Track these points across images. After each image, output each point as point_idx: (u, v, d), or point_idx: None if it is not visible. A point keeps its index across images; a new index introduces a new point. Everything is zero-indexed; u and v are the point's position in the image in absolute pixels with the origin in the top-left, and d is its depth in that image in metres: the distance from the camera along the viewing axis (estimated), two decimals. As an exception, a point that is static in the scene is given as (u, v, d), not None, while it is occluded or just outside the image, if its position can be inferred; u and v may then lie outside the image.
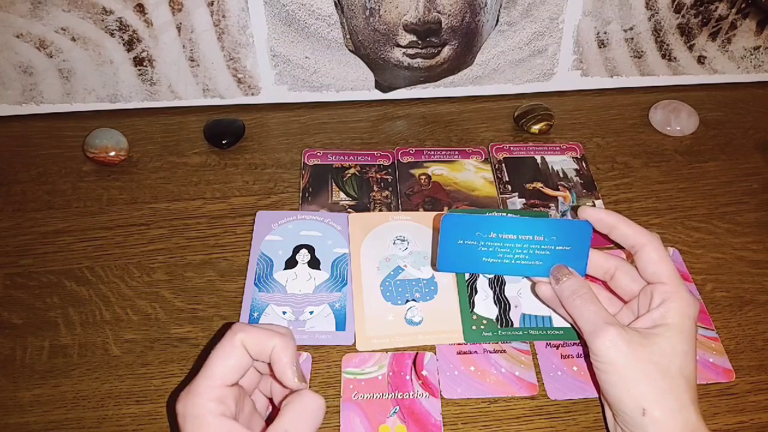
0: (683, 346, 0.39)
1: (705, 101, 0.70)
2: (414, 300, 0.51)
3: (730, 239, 0.56)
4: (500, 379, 0.46)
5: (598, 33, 0.67)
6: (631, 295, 0.44)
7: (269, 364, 0.37)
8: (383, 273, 0.52)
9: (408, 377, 0.46)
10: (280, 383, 0.37)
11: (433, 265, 0.52)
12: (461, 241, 0.45)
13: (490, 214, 0.56)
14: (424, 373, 0.47)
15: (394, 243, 0.54)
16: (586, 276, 0.45)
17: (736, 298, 0.52)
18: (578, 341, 0.49)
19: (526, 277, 0.50)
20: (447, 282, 0.52)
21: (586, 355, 0.47)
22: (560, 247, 0.44)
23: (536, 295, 0.48)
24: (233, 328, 0.36)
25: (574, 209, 0.58)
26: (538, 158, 0.63)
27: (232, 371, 0.35)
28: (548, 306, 0.48)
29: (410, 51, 0.63)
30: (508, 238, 0.44)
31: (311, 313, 0.50)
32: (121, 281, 0.52)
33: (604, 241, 0.47)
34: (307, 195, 0.59)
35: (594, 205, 0.58)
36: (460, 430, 0.44)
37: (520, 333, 0.49)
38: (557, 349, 0.48)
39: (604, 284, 0.47)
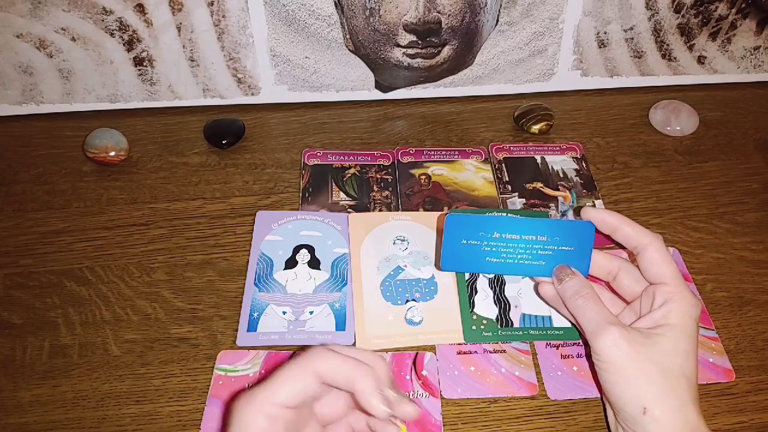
0: (684, 345, 0.39)
1: (705, 101, 0.70)
2: (414, 300, 0.51)
3: (730, 239, 0.56)
4: (500, 379, 0.46)
5: (598, 33, 0.67)
6: (634, 295, 0.44)
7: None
8: (383, 273, 0.52)
9: (408, 377, 0.46)
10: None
11: (437, 265, 0.52)
12: (465, 241, 0.45)
13: (492, 214, 0.56)
14: (424, 373, 0.47)
15: (394, 243, 0.54)
16: (589, 276, 0.45)
17: (736, 298, 0.52)
18: (578, 341, 0.49)
19: (529, 277, 0.50)
20: (447, 282, 0.52)
21: (588, 355, 0.47)
22: (563, 248, 0.45)
23: (539, 295, 0.48)
24: (311, 353, 0.34)
25: (575, 210, 0.58)
26: (538, 158, 0.63)
27: (295, 396, 0.34)
28: (551, 306, 0.48)
29: (410, 51, 0.63)
30: (511, 238, 0.44)
31: (311, 313, 0.50)
32: (121, 281, 0.52)
33: (606, 241, 0.47)
34: (307, 195, 0.59)
35: (594, 205, 0.58)
36: (460, 430, 0.44)
37: (520, 333, 0.49)
38: (557, 349, 0.48)
39: (607, 285, 0.47)
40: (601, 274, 0.46)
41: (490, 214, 0.56)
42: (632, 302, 0.45)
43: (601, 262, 0.45)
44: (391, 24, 0.61)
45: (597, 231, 0.45)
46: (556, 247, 0.45)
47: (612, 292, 0.47)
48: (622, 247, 0.45)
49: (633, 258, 0.45)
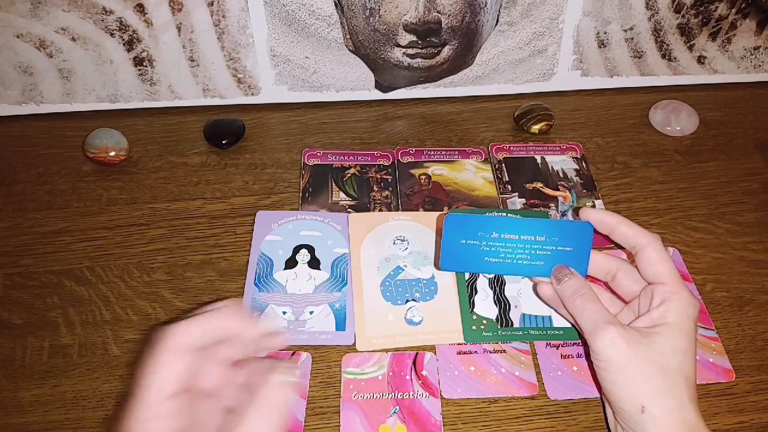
0: (682, 345, 0.39)
1: (705, 101, 0.70)
2: (414, 300, 0.51)
3: (730, 239, 0.56)
4: (500, 379, 0.46)
5: (598, 33, 0.67)
6: (632, 295, 0.44)
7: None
8: (383, 273, 0.52)
9: (408, 377, 0.46)
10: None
11: (436, 265, 0.52)
12: (464, 241, 0.45)
13: (491, 214, 0.56)
14: (424, 373, 0.47)
15: (394, 243, 0.54)
16: (588, 277, 0.45)
17: (736, 298, 0.52)
18: (578, 341, 0.49)
19: (527, 277, 0.50)
20: (447, 282, 0.52)
21: (587, 354, 0.47)
22: (562, 248, 0.45)
23: (538, 295, 0.48)
24: (166, 337, 0.33)
25: (575, 210, 0.58)
26: (538, 158, 0.63)
27: (168, 382, 0.32)
28: (550, 306, 0.48)
29: (410, 51, 0.63)
30: (510, 238, 0.44)
31: (311, 313, 0.50)
32: (121, 281, 0.52)
33: (605, 241, 0.47)
34: (307, 195, 0.59)
35: (594, 205, 0.58)
36: (460, 430, 0.44)
37: (520, 333, 0.49)
38: (557, 349, 0.48)
39: (606, 285, 0.47)
40: (599, 274, 0.46)
41: (489, 214, 0.56)
42: (631, 302, 0.45)
43: (600, 262, 0.46)
44: (391, 24, 0.61)
45: (595, 231, 0.45)
46: (554, 248, 0.45)
47: (611, 292, 0.47)
48: (621, 248, 0.45)
49: (632, 258, 0.45)
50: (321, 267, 0.53)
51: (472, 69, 0.67)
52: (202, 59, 0.64)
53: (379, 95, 0.68)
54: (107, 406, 0.45)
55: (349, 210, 0.58)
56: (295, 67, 0.65)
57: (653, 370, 0.38)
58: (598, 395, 0.46)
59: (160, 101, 0.67)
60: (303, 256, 0.53)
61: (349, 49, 0.64)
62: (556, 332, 0.49)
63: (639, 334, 0.39)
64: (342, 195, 0.59)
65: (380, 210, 0.58)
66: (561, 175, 0.61)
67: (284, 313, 0.50)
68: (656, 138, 0.66)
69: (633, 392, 0.38)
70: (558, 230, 0.44)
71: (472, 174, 0.61)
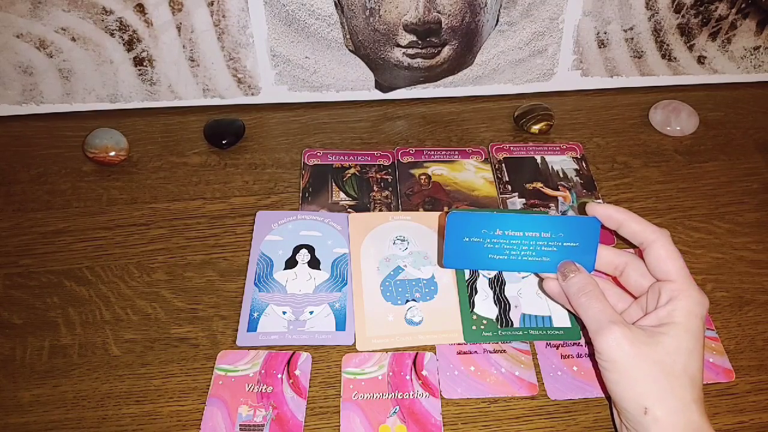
0: (689, 344, 0.39)
1: (705, 101, 0.70)
2: (414, 300, 0.51)
3: (730, 239, 0.56)
4: (500, 379, 0.46)
5: (598, 33, 0.67)
6: (641, 291, 0.44)
7: None
8: (383, 273, 0.52)
9: (408, 377, 0.46)
10: None
11: (439, 262, 0.52)
12: (467, 239, 0.44)
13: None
14: (424, 373, 0.47)
15: (394, 243, 0.54)
16: (596, 271, 0.45)
17: (736, 298, 0.52)
18: (578, 341, 0.49)
19: (533, 273, 0.50)
20: (447, 282, 0.52)
21: (591, 353, 0.47)
22: (568, 244, 0.44)
23: (543, 291, 0.47)
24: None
25: (581, 205, 0.58)
26: (538, 158, 0.63)
27: None
28: (556, 302, 0.48)
29: (410, 51, 0.63)
30: (514, 235, 0.44)
31: (311, 313, 0.50)
32: (121, 281, 0.52)
33: (612, 239, 0.47)
34: (307, 195, 0.59)
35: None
36: (460, 430, 0.44)
37: (520, 333, 0.49)
38: (557, 349, 0.48)
39: (615, 279, 0.47)
40: (608, 269, 0.46)
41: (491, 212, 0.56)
42: (640, 298, 0.44)
43: (608, 257, 0.45)
44: (391, 24, 0.61)
45: (602, 226, 0.44)
46: (560, 243, 0.44)
47: (620, 287, 0.46)
48: (630, 244, 0.45)
49: (640, 254, 0.44)
50: (321, 267, 0.53)
51: (472, 69, 0.67)
52: (202, 59, 0.64)
53: (379, 95, 0.68)
54: (107, 406, 0.45)
55: (349, 210, 0.58)
56: (295, 67, 0.65)
57: (657, 371, 0.38)
58: (598, 395, 0.46)
59: (160, 101, 0.67)
60: (303, 256, 0.53)
61: (349, 49, 0.64)
62: (556, 332, 0.49)
63: (644, 333, 0.39)
64: (342, 195, 0.59)
65: (380, 210, 0.58)
66: (561, 175, 0.61)
67: (284, 313, 0.50)
68: (656, 138, 0.66)
69: (636, 393, 0.38)
70: (564, 226, 0.44)
71: (472, 174, 0.61)
